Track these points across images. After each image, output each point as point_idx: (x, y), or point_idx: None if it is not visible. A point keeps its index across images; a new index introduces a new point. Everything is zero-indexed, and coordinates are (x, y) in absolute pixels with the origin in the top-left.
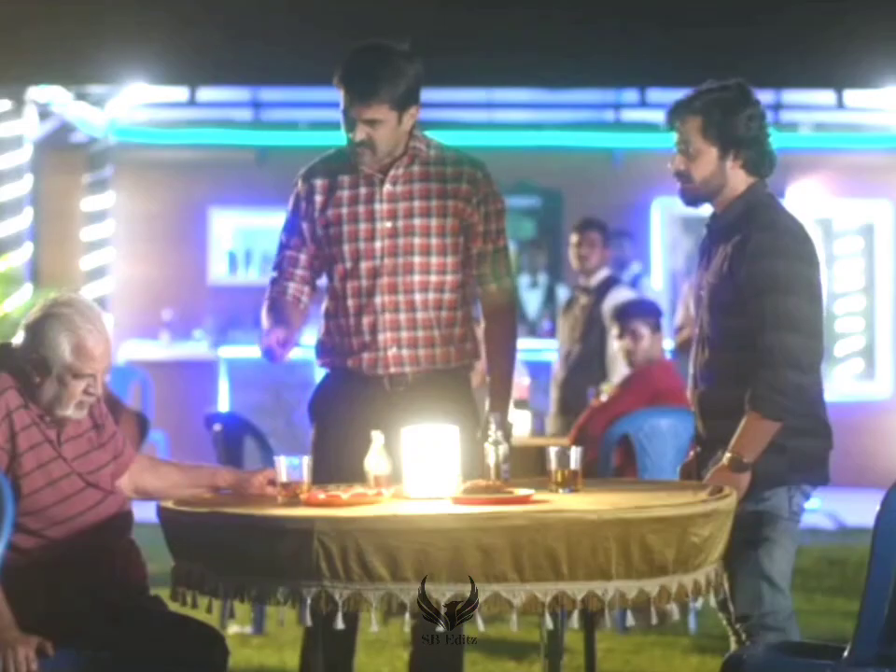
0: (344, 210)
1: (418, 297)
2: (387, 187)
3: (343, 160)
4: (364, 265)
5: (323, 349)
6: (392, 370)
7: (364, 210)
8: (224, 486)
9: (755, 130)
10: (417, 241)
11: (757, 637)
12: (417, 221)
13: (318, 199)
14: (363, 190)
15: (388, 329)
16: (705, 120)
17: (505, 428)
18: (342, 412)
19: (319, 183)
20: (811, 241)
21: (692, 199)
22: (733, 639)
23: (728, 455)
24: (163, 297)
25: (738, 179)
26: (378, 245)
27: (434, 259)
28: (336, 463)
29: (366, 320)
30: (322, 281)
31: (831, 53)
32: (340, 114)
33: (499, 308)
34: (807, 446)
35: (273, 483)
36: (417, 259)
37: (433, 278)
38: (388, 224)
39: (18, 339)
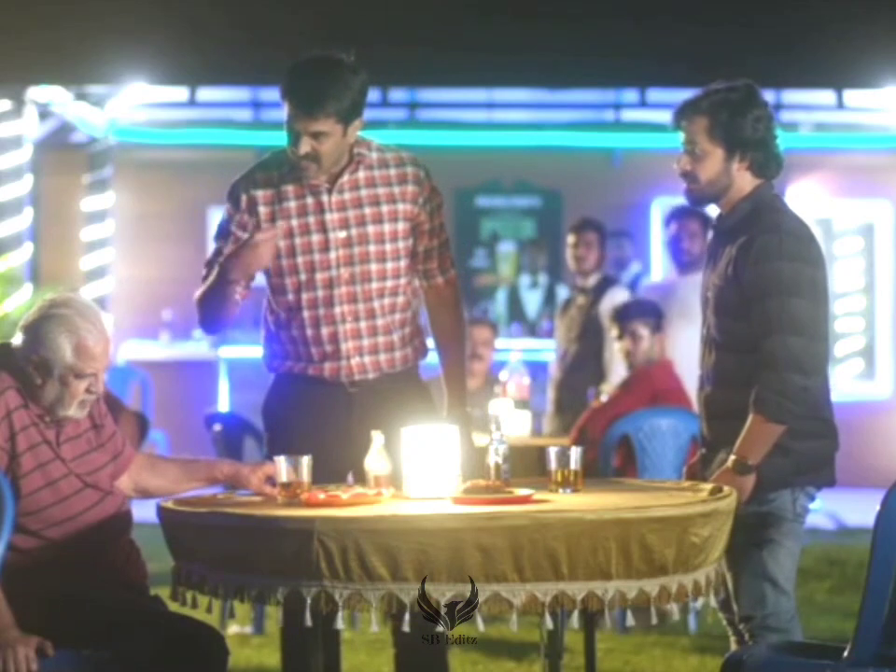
0: (294, 222)
1: (377, 303)
2: (335, 195)
3: (281, 168)
4: (320, 276)
5: (274, 357)
6: (356, 377)
7: (314, 220)
8: (222, 479)
9: (762, 131)
10: (373, 248)
11: (760, 637)
12: (371, 229)
13: (263, 210)
14: (310, 200)
15: (350, 338)
16: (711, 121)
17: (467, 421)
18: (301, 413)
19: (261, 194)
20: (817, 243)
21: (697, 199)
22: (733, 639)
23: (732, 457)
24: (163, 297)
25: (744, 180)
26: (333, 255)
27: (390, 265)
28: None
29: (325, 331)
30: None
31: (831, 53)
32: (284, 126)
33: (447, 300)
34: (813, 448)
35: (271, 479)
36: (374, 267)
37: (389, 283)
38: (342, 234)
39: (17, 340)
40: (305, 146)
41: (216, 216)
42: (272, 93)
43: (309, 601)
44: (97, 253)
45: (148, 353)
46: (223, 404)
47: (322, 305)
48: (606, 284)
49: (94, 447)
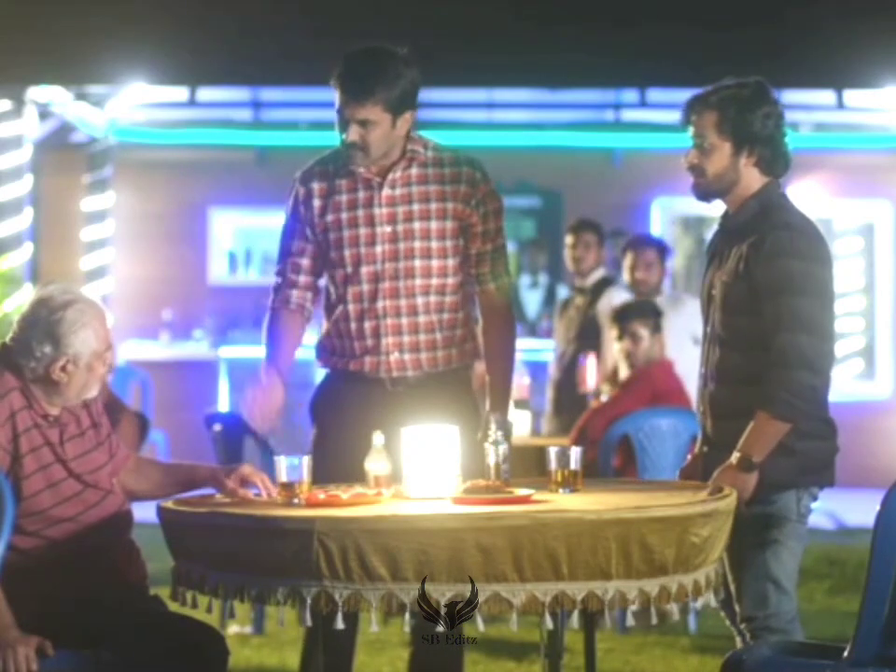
0: (344, 215)
1: (420, 300)
2: (386, 190)
3: (339, 162)
4: (365, 270)
5: (324, 351)
6: (395, 374)
7: (363, 214)
8: (200, 483)
9: (770, 128)
10: (418, 244)
11: (761, 638)
12: (417, 225)
13: (317, 203)
14: (362, 194)
15: (391, 333)
16: (720, 115)
17: (506, 428)
18: (343, 412)
19: (317, 187)
20: (825, 242)
21: (703, 194)
22: (738, 639)
23: (736, 454)
24: (163, 297)
25: (752, 177)
26: (379, 249)
27: (435, 263)
28: (337, 463)
29: (368, 325)
30: (323, 281)
31: (831, 53)
32: (335, 114)
33: (497, 307)
34: (816, 448)
35: (246, 481)
36: (418, 263)
37: (434, 281)
38: (388, 228)
39: (27, 348)
40: (353, 133)
41: (216, 215)
42: (272, 93)
43: (309, 601)
44: (97, 253)
45: (148, 353)
46: (223, 404)
47: (366, 299)
48: (604, 284)
49: (94, 446)
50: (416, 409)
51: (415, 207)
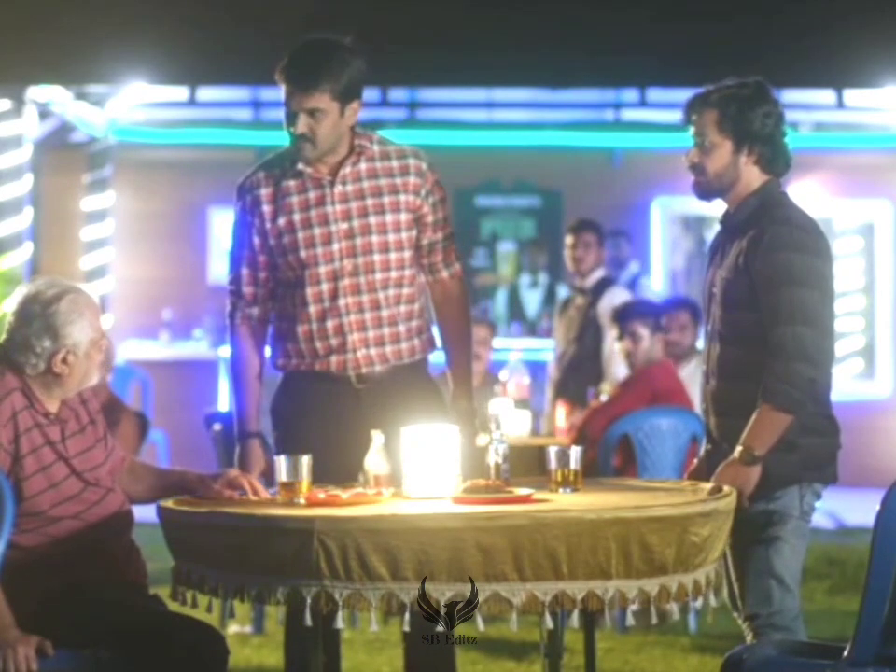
0: (296, 216)
1: (381, 294)
2: (338, 187)
3: (285, 164)
4: (323, 269)
5: (282, 353)
6: (363, 370)
7: (316, 214)
8: (190, 488)
9: (770, 127)
10: (375, 239)
11: (764, 635)
12: (373, 220)
13: (266, 209)
14: (312, 194)
15: (355, 330)
16: (720, 113)
17: (471, 417)
18: (310, 413)
19: (264, 192)
20: (826, 239)
21: (704, 192)
22: (748, 637)
23: (739, 447)
24: (163, 297)
25: (752, 176)
26: (336, 247)
27: (393, 256)
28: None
29: (331, 324)
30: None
31: (831, 53)
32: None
33: (452, 294)
34: (818, 444)
35: (233, 485)
36: (377, 258)
37: (393, 274)
38: (344, 225)
39: (26, 345)
40: (301, 124)
41: (216, 215)
42: (272, 93)
43: (309, 601)
44: (97, 253)
45: (148, 353)
46: (223, 404)
47: (327, 299)
48: (604, 284)
49: (94, 442)
50: (383, 403)
51: (369, 202)
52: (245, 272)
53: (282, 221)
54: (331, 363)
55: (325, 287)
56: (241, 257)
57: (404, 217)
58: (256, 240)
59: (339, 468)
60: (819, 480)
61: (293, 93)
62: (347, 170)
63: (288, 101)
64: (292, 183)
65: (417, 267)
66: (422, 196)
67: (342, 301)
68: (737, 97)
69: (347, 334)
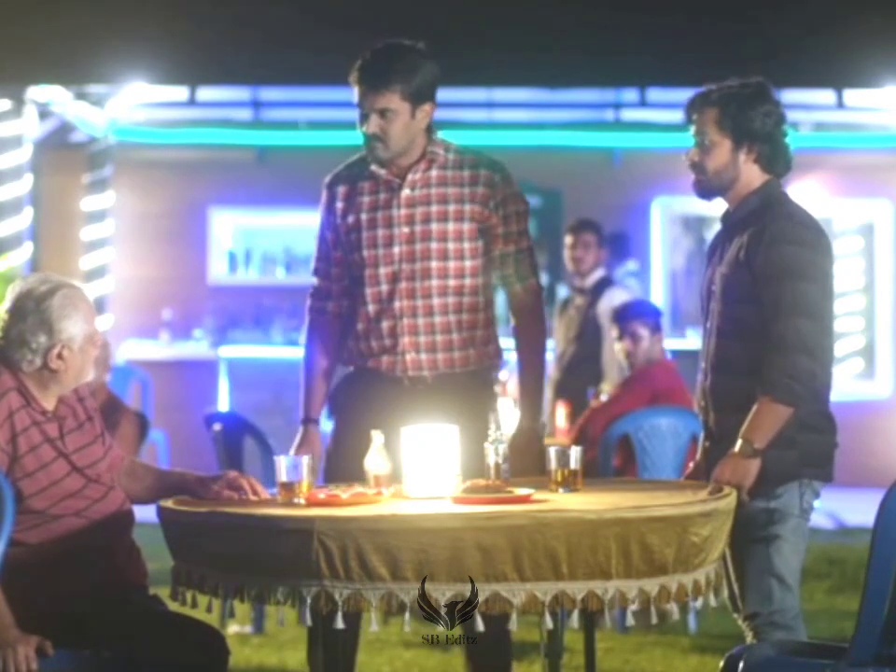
0: (364, 216)
1: (436, 301)
2: (406, 192)
3: (364, 165)
4: (383, 271)
5: (345, 348)
6: (411, 373)
7: (382, 216)
8: (189, 489)
9: (770, 126)
10: (434, 245)
11: (765, 634)
12: (434, 226)
13: (339, 206)
14: (382, 196)
15: (407, 333)
16: (720, 112)
17: (535, 436)
18: (361, 410)
19: (340, 190)
20: (827, 236)
21: (704, 191)
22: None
23: (739, 441)
24: (163, 297)
25: (752, 174)
26: (396, 250)
27: (452, 264)
28: (353, 462)
29: (385, 325)
30: None
31: (831, 53)
32: (356, 110)
33: (525, 308)
34: (816, 441)
35: (233, 486)
36: (435, 264)
37: (451, 282)
38: (406, 229)
39: (22, 342)
40: (373, 125)
41: (216, 215)
42: (272, 93)
43: (309, 601)
44: (97, 253)
45: (148, 353)
46: (223, 404)
47: (384, 300)
48: (604, 284)
49: (93, 439)
50: (433, 408)
51: (433, 208)
52: (321, 266)
53: (351, 219)
54: (382, 363)
55: (383, 287)
56: (320, 251)
57: (468, 226)
58: (330, 235)
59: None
60: (818, 477)
61: (365, 94)
62: (417, 175)
63: (361, 101)
64: (366, 183)
65: (487, 277)
66: (490, 207)
67: (397, 304)
68: (738, 96)
69: (399, 336)
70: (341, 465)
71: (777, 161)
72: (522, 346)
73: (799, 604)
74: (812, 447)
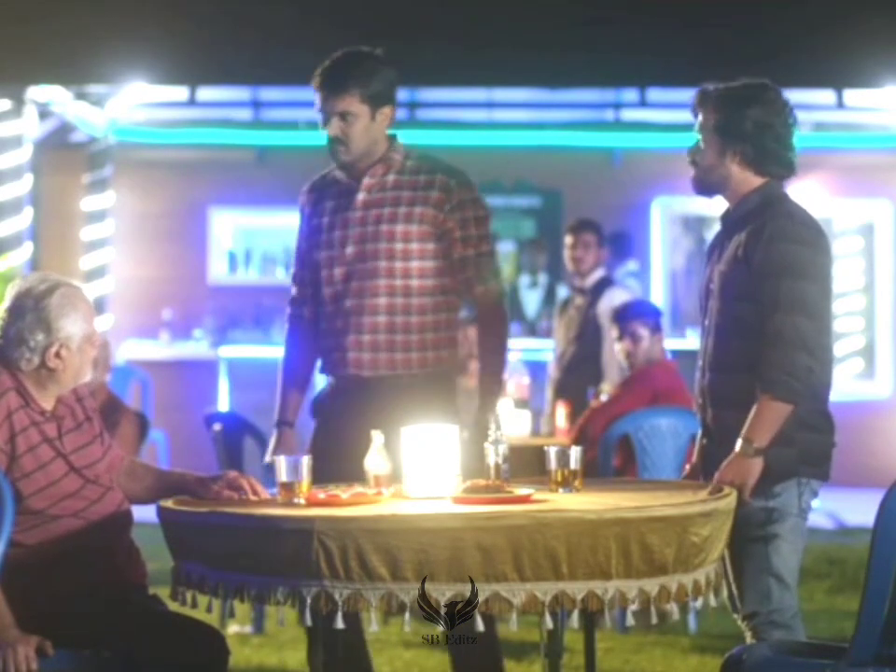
0: (325, 219)
1: (382, 301)
2: (361, 195)
3: (334, 171)
4: (337, 271)
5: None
6: (351, 371)
7: (340, 218)
8: (189, 490)
9: (756, 129)
10: (383, 246)
11: (764, 634)
12: (384, 227)
13: (307, 210)
14: (343, 200)
15: (352, 331)
16: (714, 111)
17: (483, 432)
18: (328, 409)
19: (311, 196)
20: (826, 236)
21: (697, 187)
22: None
23: (740, 441)
24: (163, 297)
25: (745, 175)
26: (349, 250)
27: (399, 265)
28: (321, 458)
29: (337, 323)
30: None
31: (831, 53)
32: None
33: (487, 310)
34: (814, 440)
35: (233, 486)
36: (382, 265)
37: (398, 283)
38: (359, 230)
39: (20, 340)
40: (334, 127)
41: (216, 215)
42: (272, 93)
43: (309, 601)
44: (97, 253)
45: (148, 353)
46: (223, 404)
47: (339, 299)
48: (604, 284)
49: (91, 439)
50: (381, 409)
51: (385, 210)
52: (298, 272)
53: (314, 223)
54: (335, 361)
55: (338, 287)
56: (296, 258)
57: (417, 228)
58: (304, 243)
59: (336, 467)
60: (816, 476)
61: (326, 98)
62: (374, 179)
63: (322, 106)
64: (332, 189)
65: (445, 281)
66: (445, 211)
67: (346, 303)
68: (733, 97)
69: (345, 335)
70: (315, 465)
71: (763, 163)
72: (482, 347)
73: (798, 603)
74: (811, 446)
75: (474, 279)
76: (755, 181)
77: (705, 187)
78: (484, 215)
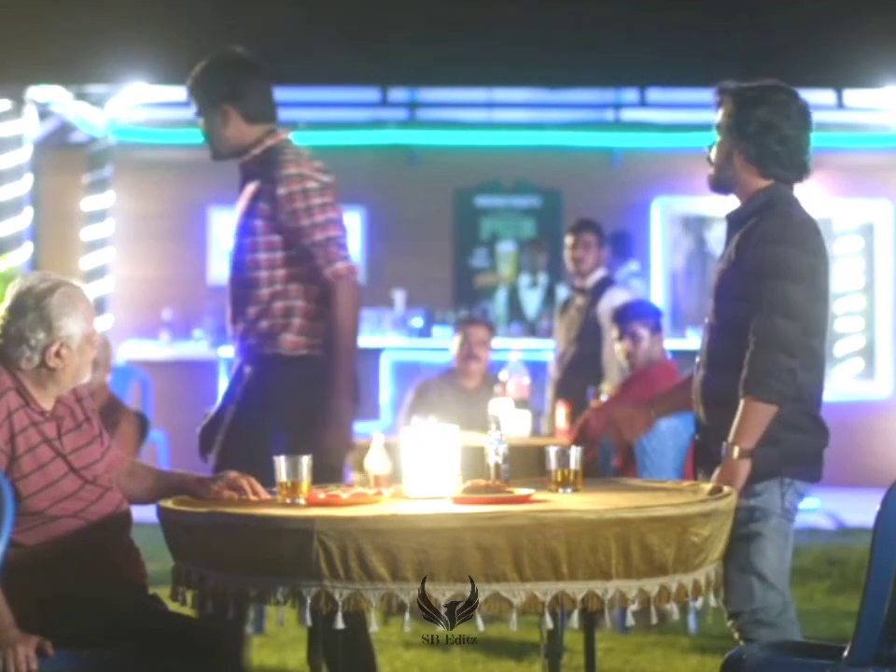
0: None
1: (240, 292)
2: (243, 189)
3: None
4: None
5: None
6: (236, 357)
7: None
8: (189, 490)
9: (763, 129)
10: (237, 240)
11: (751, 633)
12: (240, 221)
13: None
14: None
15: (229, 322)
16: (726, 110)
17: (329, 417)
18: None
19: None
20: (822, 238)
21: (711, 184)
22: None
23: (725, 444)
24: (163, 297)
25: (753, 175)
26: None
27: (247, 257)
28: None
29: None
30: None
31: (831, 53)
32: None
33: (331, 293)
34: (800, 441)
35: (233, 486)
36: (236, 257)
37: (247, 275)
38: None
39: (21, 338)
40: (199, 124)
41: (216, 215)
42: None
43: (309, 601)
44: (97, 253)
45: (148, 352)
46: None
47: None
48: (604, 284)
49: (90, 439)
50: (250, 391)
51: (241, 204)
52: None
53: None
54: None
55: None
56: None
57: (257, 222)
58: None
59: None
60: (801, 476)
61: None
62: (244, 172)
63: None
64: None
65: (288, 271)
66: (279, 204)
67: (228, 294)
68: (744, 97)
69: (228, 324)
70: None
71: (765, 164)
72: (328, 329)
73: (787, 602)
74: (795, 446)
75: (318, 266)
76: (761, 182)
77: (717, 185)
78: (314, 204)
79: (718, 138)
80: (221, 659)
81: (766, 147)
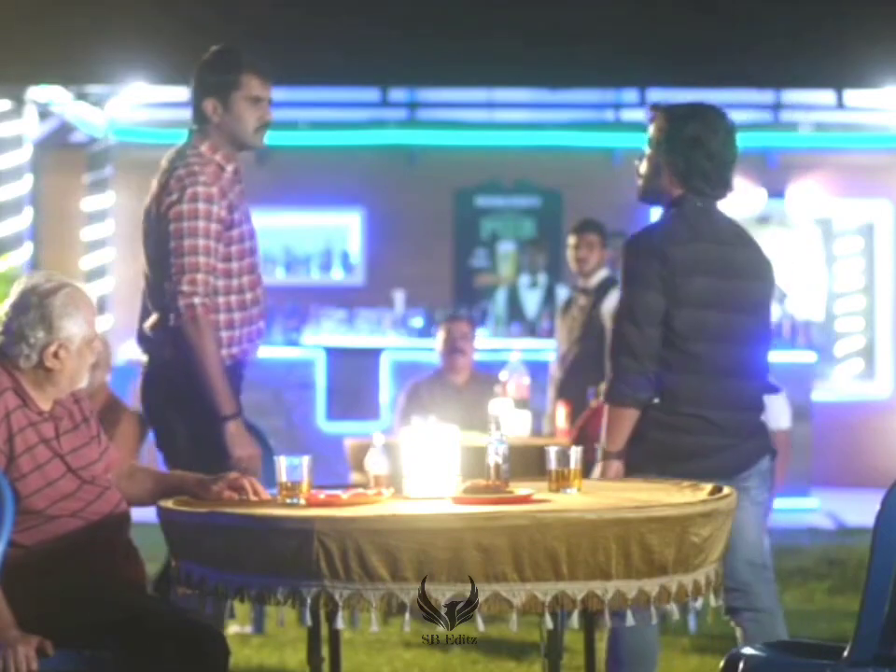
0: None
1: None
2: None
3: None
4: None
5: None
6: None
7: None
8: (189, 492)
9: (691, 144)
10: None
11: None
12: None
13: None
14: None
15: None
16: (657, 125)
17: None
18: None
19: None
20: (688, 247)
21: (639, 194)
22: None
23: (597, 445)
24: None
25: (674, 188)
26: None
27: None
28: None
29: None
30: None
31: (831, 53)
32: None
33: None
34: (675, 440)
35: (234, 487)
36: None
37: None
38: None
39: (20, 336)
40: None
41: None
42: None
43: (309, 601)
44: (97, 253)
45: None
46: None
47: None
48: (608, 284)
49: (88, 440)
50: None
51: (246, 205)
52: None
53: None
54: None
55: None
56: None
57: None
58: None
59: None
60: (675, 473)
61: (268, 83)
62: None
63: (265, 92)
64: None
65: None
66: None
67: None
68: (675, 113)
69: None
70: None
71: (689, 177)
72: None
73: None
74: (665, 444)
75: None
76: (676, 194)
77: (644, 196)
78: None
79: (648, 151)
80: (221, 659)
81: (695, 161)
